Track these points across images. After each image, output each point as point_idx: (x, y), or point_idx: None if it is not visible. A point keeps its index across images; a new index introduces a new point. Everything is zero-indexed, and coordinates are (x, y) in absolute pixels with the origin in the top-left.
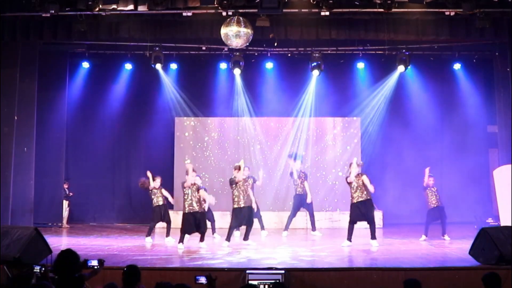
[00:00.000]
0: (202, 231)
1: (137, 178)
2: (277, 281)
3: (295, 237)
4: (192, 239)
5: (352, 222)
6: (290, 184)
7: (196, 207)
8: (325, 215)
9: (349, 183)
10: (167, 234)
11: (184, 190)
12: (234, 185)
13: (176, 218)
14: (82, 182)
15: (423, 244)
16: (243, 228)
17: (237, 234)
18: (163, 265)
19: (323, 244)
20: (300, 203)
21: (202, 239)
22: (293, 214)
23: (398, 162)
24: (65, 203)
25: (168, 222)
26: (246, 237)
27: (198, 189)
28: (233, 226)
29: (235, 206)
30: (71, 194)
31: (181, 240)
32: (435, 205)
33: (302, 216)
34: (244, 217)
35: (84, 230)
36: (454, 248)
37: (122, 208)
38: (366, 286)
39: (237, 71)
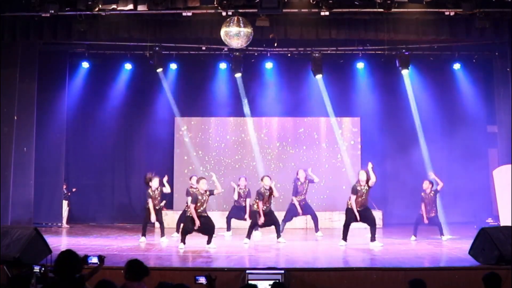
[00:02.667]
0: (210, 234)
1: (137, 178)
2: (277, 281)
3: (295, 237)
4: (195, 239)
5: (347, 225)
6: (290, 184)
7: (202, 212)
8: (325, 215)
9: (370, 187)
10: (162, 234)
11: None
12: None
13: (175, 217)
14: (82, 182)
15: (423, 244)
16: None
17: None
18: (163, 265)
19: (323, 244)
20: (297, 211)
21: (209, 241)
22: (287, 219)
23: (398, 162)
24: (65, 203)
25: (161, 223)
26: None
27: (209, 195)
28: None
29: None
30: (69, 193)
31: (183, 240)
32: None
33: (302, 216)
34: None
35: (84, 230)
36: (454, 248)
37: (122, 208)
38: (366, 286)
39: (237, 74)
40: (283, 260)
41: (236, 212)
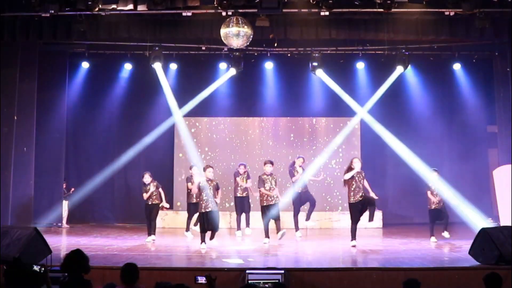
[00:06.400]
0: (213, 230)
1: (137, 178)
2: (277, 281)
3: (295, 237)
4: (195, 239)
5: (355, 222)
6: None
7: (211, 206)
8: (325, 215)
9: (349, 180)
10: (153, 232)
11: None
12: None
13: (175, 217)
14: (82, 182)
15: (423, 244)
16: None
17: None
18: (163, 265)
19: (323, 244)
20: (301, 201)
21: (212, 237)
22: (297, 212)
23: (397, 162)
24: (65, 203)
25: (153, 220)
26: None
27: (217, 187)
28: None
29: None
30: (72, 189)
31: (203, 239)
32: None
33: (302, 216)
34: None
35: (84, 230)
36: (454, 248)
37: (122, 208)
38: (366, 286)
39: (233, 71)
40: (283, 260)
41: (242, 205)
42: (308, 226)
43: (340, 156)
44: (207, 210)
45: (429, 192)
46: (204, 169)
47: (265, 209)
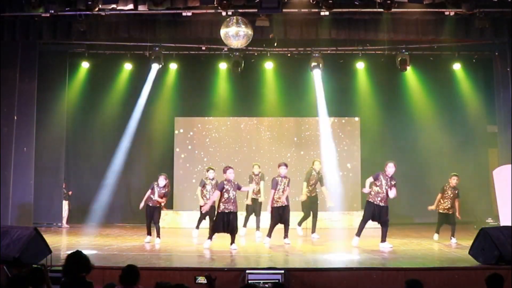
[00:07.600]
0: (233, 232)
1: (137, 178)
2: (277, 281)
3: (295, 237)
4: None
5: (364, 221)
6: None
7: (231, 207)
8: (325, 215)
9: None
10: (157, 235)
11: (224, 187)
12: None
13: (175, 217)
14: (82, 182)
15: (423, 244)
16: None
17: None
18: (163, 265)
19: (323, 244)
20: (311, 206)
21: (232, 242)
22: (306, 217)
23: (397, 162)
24: (65, 203)
25: (157, 223)
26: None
27: (238, 187)
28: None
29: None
30: (70, 193)
31: (210, 237)
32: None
33: (301, 216)
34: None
35: (84, 230)
36: (454, 248)
37: (122, 208)
38: (366, 286)
39: (233, 71)
40: (283, 260)
41: (252, 207)
42: (314, 239)
43: (339, 156)
44: (229, 211)
45: (439, 195)
46: (224, 171)
47: (273, 211)
